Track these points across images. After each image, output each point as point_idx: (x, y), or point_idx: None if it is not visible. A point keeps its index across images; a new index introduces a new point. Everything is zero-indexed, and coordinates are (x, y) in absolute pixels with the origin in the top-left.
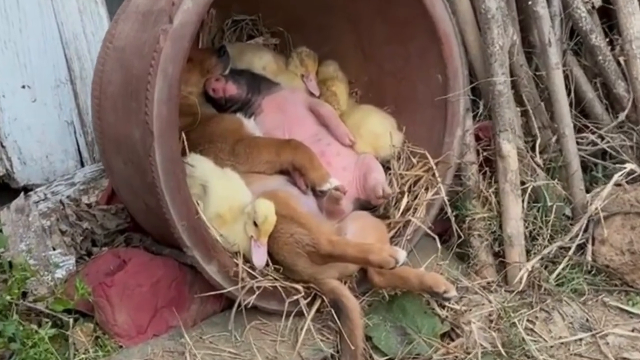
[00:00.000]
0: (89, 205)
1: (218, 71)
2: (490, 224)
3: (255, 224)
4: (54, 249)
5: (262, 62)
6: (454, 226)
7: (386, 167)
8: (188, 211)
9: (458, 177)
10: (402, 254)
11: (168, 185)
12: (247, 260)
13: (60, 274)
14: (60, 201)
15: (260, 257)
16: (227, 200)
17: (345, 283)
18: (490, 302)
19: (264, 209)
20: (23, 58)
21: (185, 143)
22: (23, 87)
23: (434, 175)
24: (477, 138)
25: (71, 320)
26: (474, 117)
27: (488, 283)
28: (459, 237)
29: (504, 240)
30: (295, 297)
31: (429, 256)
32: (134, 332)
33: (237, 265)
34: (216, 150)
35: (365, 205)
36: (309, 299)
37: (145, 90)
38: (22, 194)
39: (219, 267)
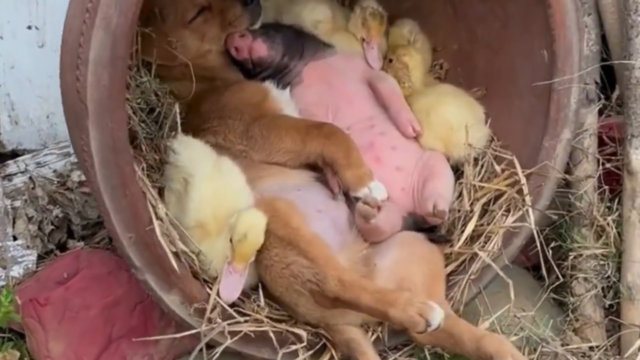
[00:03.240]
0: (77, 185)
1: (243, 25)
2: (604, 266)
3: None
4: (15, 239)
5: (315, 15)
6: (544, 261)
7: (461, 172)
8: (137, 220)
9: (565, 194)
10: (436, 315)
11: (108, 183)
12: None
13: (17, 272)
14: (30, 177)
15: (229, 288)
16: (213, 203)
17: (372, 333)
18: None
19: (247, 222)
20: None
21: (178, 120)
22: (29, 27)
23: (520, 192)
24: (601, 142)
25: None
26: (601, 111)
27: (591, 349)
28: (557, 278)
29: (620, 290)
30: (293, 348)
31: (509, 298)
32: None
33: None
34: (226, 130)
35: (422, 223)
36: (314, 349)
37: (78, 45)
38: None
39: (182, 298)
